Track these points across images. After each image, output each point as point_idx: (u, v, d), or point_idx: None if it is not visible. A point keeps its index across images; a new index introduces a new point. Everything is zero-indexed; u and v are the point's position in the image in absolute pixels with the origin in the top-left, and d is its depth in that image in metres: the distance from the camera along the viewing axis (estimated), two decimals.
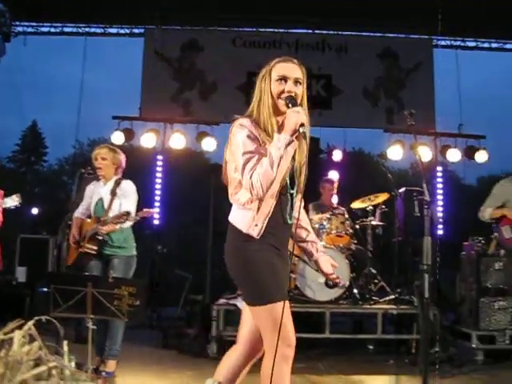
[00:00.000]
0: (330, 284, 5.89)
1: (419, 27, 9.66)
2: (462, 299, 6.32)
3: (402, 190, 7.14)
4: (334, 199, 7.09)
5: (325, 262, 2.96)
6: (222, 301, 6.05)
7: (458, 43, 10.78)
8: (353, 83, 9.49)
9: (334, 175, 7.28)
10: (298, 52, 9.48)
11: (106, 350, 4.54)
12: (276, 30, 9.61)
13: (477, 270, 5.99)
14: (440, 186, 7.31)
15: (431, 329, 5.73)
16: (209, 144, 8.56)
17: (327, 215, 6.45)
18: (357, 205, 6.84)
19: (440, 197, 7.31)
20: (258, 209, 2.61)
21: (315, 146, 9.61)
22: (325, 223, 6.37)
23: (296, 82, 2.69)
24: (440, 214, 7.23)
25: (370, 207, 6.52)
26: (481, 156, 8.05)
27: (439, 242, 7.13)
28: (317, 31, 9.73)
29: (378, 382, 4.86)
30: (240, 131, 2.62)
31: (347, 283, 5.96)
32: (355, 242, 6.59)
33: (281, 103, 2.67)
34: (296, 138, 2.55)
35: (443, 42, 10.72)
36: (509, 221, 5.38)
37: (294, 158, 2.65)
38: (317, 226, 6.37)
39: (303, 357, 5.70)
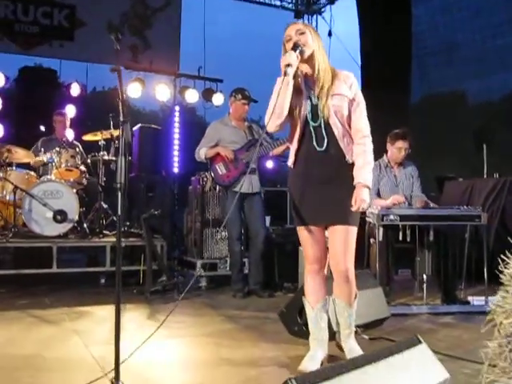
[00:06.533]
0: (59, 219, 5.81)
1: None
2: (189, 231, 6.73)
3: (138, 126, 7.22)
4: (69, 134, 6.88)
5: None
6: None
7: None
8: (97, 17, 9.21)
9: (70, 109, 7.02)
10: None
11: None
12: None
13: (201, 203, 6.41)
14: (177, 124, 7.52)
15: (159, 260, 6.01)
16: None
17: (57, 149, 6.27)
18: (88, 138, 6.74)
19: (177, 136, 7.54)
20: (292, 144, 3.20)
21: (53, 79, 9.22)
22: (54, 157, 6.18)
23: (297, 32, 3.10)
24: (176, 153, 7.48)
25: (103, 142, 6.47)
26: (217, 98, 8.48)
27: (175, 178, 7.38)
28: None
29: (105, 311, 4.87)
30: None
31: (76, 217, 5.92)
32: (87, 176, 6.53)
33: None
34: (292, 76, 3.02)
35: None
36: (221, 158, 5.66)
37: (310, 98, 3.12)
38: (45, 160, 6.17)
39: (28, 293, 5.59)
